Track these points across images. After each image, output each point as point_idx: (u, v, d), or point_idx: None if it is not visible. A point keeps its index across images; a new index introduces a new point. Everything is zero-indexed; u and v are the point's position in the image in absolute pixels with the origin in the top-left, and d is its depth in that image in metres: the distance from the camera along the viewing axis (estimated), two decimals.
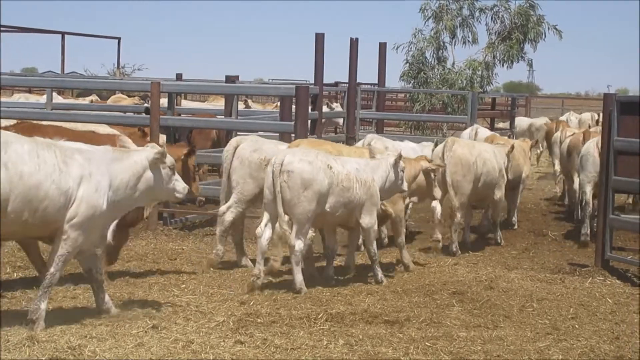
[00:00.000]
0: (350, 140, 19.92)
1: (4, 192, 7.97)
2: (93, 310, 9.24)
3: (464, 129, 21.04)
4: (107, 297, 9.19)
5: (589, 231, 14.59)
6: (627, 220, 13.31)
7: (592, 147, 14.79)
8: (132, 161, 9.01)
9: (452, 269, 12.36)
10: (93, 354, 7.94)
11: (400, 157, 11.24)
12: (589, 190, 14.70)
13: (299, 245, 10.38)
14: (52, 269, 8.58)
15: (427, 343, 8.67)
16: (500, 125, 27.93)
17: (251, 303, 9.87)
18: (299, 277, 10.47)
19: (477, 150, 14.01)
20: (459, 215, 13.55)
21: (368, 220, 10.92)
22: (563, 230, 16.41)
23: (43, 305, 8.57)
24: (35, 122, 13.62)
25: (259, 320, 9.18)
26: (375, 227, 11.13)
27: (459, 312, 9.88)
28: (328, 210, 10.58)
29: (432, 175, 12.32)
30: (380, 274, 11.27)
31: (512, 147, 15.27)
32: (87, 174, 8.55)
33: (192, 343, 8.35)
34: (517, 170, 15.37)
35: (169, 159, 9.27)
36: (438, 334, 8.99)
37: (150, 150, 9.14)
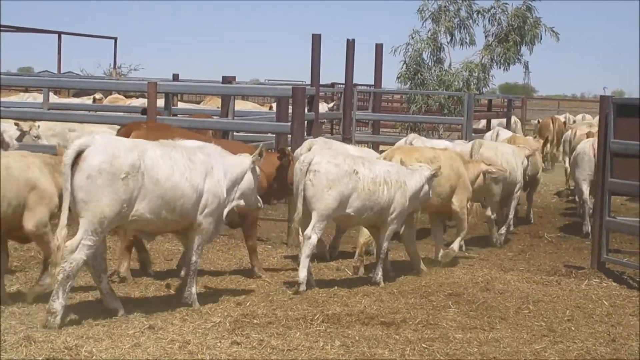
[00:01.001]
0: (346, 141, 19.93)
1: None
2: (90, 310, 9.25)
3: (461, 130, 21.07)
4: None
5: (589, 229, 15.12)
6: (623, 222, 13.32)
7: (587, 147, 15.91)
8: (240, 160, 9.99)
9: (448, 270, 12.35)
10: (90, 354, 7.94)
11: (436, 174, 11.65)
12: (585, 187, 15.96)
13: (314, 238, 10.57)
14: (193, 258, 9.70)
15: (423, 345, 8.67)
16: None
17: (247, 304, 9.87)
18: (303, 272, 10.56)
19: (500, 152, 14.82)
20: (490, 211, 14.56)
21: (393, 220, 11.24)
22: (559, 232, 16.44)
23: (194, 290, 9.73)
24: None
25: (255, 321, 9.17)
26: (397, 228, 11.48)
27: (455, 314, 9.88)
28: (352, 214, 10.84)
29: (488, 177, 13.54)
30: (380, 275, 11.31)
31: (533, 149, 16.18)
32: (210, 168, 9.50)
33: (189, 344, 8.35)
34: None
35: (259, 170, 10.28)
36: (434, 335, 8.99)
37: (251, 156, 10.07)
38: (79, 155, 8.60)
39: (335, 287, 10.95)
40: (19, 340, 8.11)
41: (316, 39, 20.39)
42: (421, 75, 27.60)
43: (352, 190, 10.68)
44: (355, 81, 23.09)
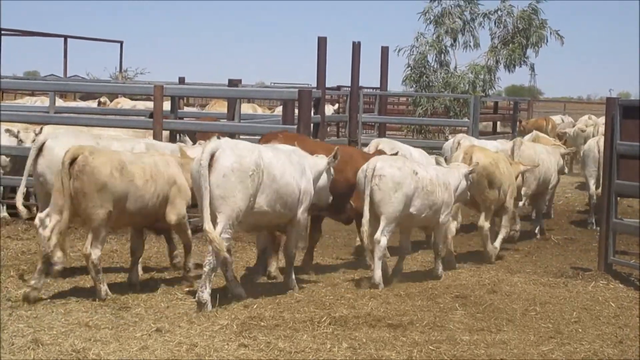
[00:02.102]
0: (352, 144, 19.94)
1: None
2: (97, 313, 9.28)
3: (466, 132, 21.06)
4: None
5: (594, 220, 16.76)
6: (630, 224, 13.30)
7: (593, 145, 17.27)
8: (319, 161, 10.99)
9: (455, 272, 12.36)
10: (97, 357, 7.98)
11: (473, 171, 12.33)
12: (592, 183, 17.20)
13: (384, 241, 11.06)
14: (293, 250, 10.91)
15: (430, 347, 8.68)
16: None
17: (255, 306, 9.88)
18: (378, 273, 11.09)
19: (538, 151, 15.85)
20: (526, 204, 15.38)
21: (444, 219, 11.85)
22: (566, 234, 16.42)
23: (293, 277, 10.89)
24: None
25: (262, 323, 9.19)
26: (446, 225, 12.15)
27: (462, 316, 9.89)
28: (414, 212, 11.37)
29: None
30: (440, 270, 12.02)
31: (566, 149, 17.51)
32: (303, 169, 10.62)
33: (196, 346, 8.37)
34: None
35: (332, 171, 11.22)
36: (441, 337, 9.00)
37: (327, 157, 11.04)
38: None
39: (342, 290, 10.97)
40: (27, 343, 8.15)
41: (322, 42, 20.41)
42: (426, 77, 27.58)
43: (414, 190, 11.23)
44: (361, 84, 23.08)
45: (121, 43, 41.62)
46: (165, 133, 14.88)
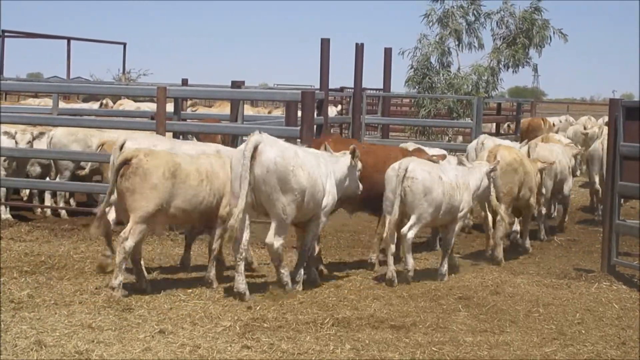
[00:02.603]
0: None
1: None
2: (100, 314, 9.29)
3: (469, 134, 21.05)
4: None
5: (600, 212, 17.10)
6: (633, 225, 13.29)
7: (598, 145, 17.91)
8: (342, 160, 11.50)
9: (458, 274, 12.35)
10: (100, 358, 7.99)
11: (495, 168, 12.74)
12: (597, 179, 17.85)
13: (410, 235, 11.54)
14: (309, 245, 11.23)
15: (433, 348, 8.69)
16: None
17: (257, 308, 9.89)
18: (410, 261, 11.63)
19: (554, 152, 16.15)
20: (543, 207, 15.66)
21: (459, 217, 12.23)
22: (569, 236, 16.41)
23: (302, 271, 11.09)
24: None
25: (265, 325, 9.20)
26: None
27: (465, 317, 9.89)
28: (440, 215, 11.81)
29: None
30: (446, 267, 12.13)
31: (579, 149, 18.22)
32: (330, 172, 11.17)
33: (199, 348, 8.38)
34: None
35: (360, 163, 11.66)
36: (444, 339, 9.00)
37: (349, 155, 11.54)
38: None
39: (345, 291, 10.98)
40: (30, 345, 8.16)
41: (325, 44, 20.41)
42: (429, 79, 27.55)
43: (442, 195, 11.64)
44: (364, 85, 23.09)
45: (124, 45, 41.58)
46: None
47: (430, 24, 28.04)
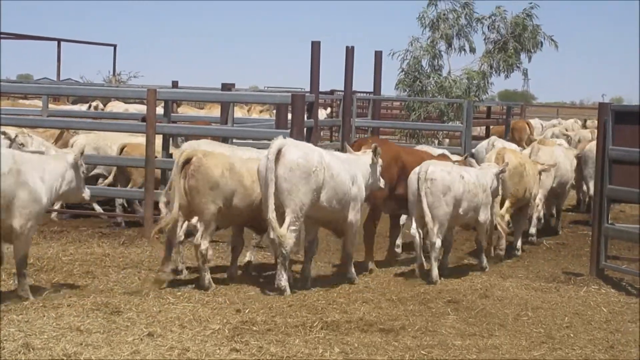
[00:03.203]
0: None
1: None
2: (89, 317, 9.27)
3: (460, 137, 21.09)
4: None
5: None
6: (621, 229, 13.32)
7: (592, 147, 17.16)
8: (365, 158, 11.98)
9: (447, 277, 12.36)
10: None
11: (504, 170, 13.26)
12: (591, 183, 16.71)
13: (438, 242, 11.96)
14: (348, 245, 11.82)
15: (422, 351, 8.69)
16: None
17: (247, 311, 9.88)
18: (435, 271, 11.95)
19: (555, 154, 16.51)
20: (540, 207, 15.86)
21: (484, 217, 12.76)
22: (558, 239, 16.43)
23: (352, 269, 11.87)
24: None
25: (254, 328, 9.18)
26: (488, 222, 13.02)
27: (454, 321, 9.90)
28: (462, 213, 12.30)
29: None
30: (485, 262, 13.06)
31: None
32: (356, 173, 11.59)
33: (188, 351, 8.36)
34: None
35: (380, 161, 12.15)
36: (433, 342, 9.01)
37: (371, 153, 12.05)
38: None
39: (335, 295, 10.97)
40: (18, 348, 8.13)
41: (316, 46, 20.42)
42: (420, 82, 27.57)
43: (462, 194, 12.14)
44: (354, 88, 23.11)
45: (115, 46, 41.61)
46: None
47: (423, 27, 28.09)
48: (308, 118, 15.52)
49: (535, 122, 29.15)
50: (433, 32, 27.92)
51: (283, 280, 10.80)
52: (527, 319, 10.13)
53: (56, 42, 38.38)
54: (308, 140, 15.52)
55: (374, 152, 11.99)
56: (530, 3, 27.89)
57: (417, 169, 12.18)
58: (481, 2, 34.62)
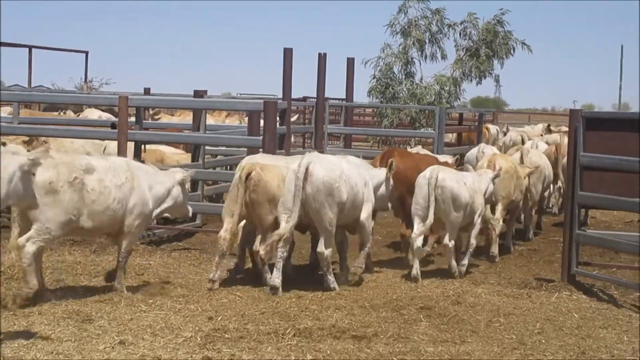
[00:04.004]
0: None
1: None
2: (60, 325, 9.22)
3: (432, 144, 21.13)
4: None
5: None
6: (592, 235, 13.40)
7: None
8: (379, 173, 12.85)
9: (420, 283, 12.38)
10: None
11: (498, 175, 14.03)
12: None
13: (451, 245, 12.84)
14: (367, 247, 12.43)
15: (394, 358, 8.70)
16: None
17: (219, 318, 9.86)
18: (453, 264, 12.96)
19: (544, 158, 17.33)
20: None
21: (477, 219, 13.42)
22: (530, 245, 16.49)
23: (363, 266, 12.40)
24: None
25: (226, 335, 9.17)
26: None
27: (427, 327, 9.91)
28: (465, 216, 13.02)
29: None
30: (466, 264, 13.42)
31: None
32: (367, 180, 12.32)
33: (160, 359, 8.34)
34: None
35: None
36: (406, 349, 9.02)
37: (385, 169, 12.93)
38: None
39: (307, 301, 10.97)
40: None
41: (288, 53, 20.38)
42: (392, 89, 27.60)
43: (469, 199, 12.88)
44: (327, 95, 23.09)
45: (86, 53, 41.45)
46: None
47: (394, 33, 28.12)
48: (280, 125, 15.53)
49: (493, 128, 29.19)
50: (405, 38, 27.94)
51: (278, 280, 11.30)
52: (499, 325, 10.15)
53: (27, 49, 38.19)
54: (280, 147, 15.55)
55: (389, 167, 12.86)
56: (501, 9, 28.02)
57: (426, 174, 12.78)
58: (453, 8, 34.58)
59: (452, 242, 12.87)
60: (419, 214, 12.72)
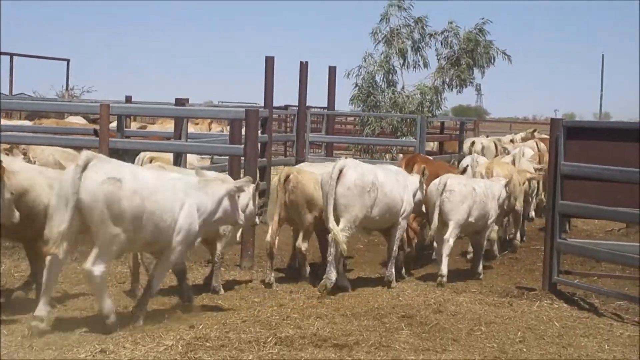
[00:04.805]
0: (299, 162, 19.92)
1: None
2: (39, 335, 9.18)
3: (413, 152, 21.17)
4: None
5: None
6: (574, 243, 13.43)
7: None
8: (415, 180, 13.53)
9: (401, 292, 12.40)
10: None
11: (509, 182, 14.93)
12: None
13: (451, 241, 13.43)
14: (395, 248, 13.12)
15: None
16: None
17: (200, 327, 9.83)
18: (444, 268, 13.28)
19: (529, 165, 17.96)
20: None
21: (489, 224, 14.36)
22: (511, 254, 16.50)
23: (393, 270, 13.03)
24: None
25: (207, 344, 9.14)
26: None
27: (408, 336, 9.90)
28: (473, 221, 13.76)
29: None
30: (481, 268, 14.38)
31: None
32: (406, 185, 13.11)
33: None
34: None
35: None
36: (387, 357, 9.01)
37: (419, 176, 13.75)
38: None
39: (289, 310, 10.95)
40: None
41: (269, 62, 20.41)
42: (374, 97, 27.65)
43: (473, 203, 13.66)
44: (308, 103, 23.11)
45: (68, 61, 41.38)
46: None
47: (376, 42, 28.18)
48: (262, 133, 15.52)
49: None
50: (388, 47, 28.00)
51: (333, 275, 12.08)
52: (480, 334, 10.16)
53: (9, 57, 38.09)
54: (262, 155, 15.54)
55: (422, 173, 13.73)
56: (482, 18, 28.13)
57: (436, 181, 13.70)
58: (435, 17, 34.74)
59: (452, 239, 13.46)
60: (432, 219, 13.62)
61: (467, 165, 17.12)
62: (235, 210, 10.71)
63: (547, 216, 13.18)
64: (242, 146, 14.27)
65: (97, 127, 16.34)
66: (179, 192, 9.87)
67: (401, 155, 21.59)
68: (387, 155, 27.97)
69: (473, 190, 13.74)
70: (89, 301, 10.90)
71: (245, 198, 11.46)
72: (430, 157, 17.98)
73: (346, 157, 13.20)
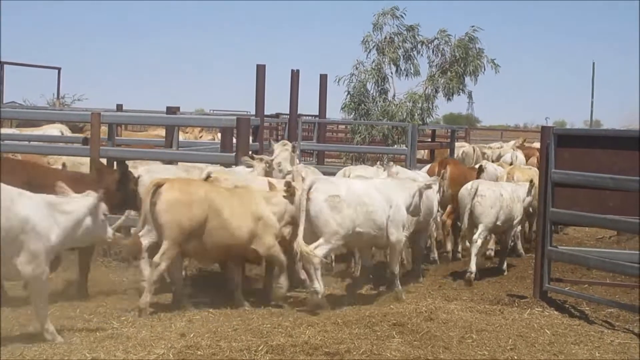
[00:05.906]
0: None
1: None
2: (31, 342, 9.16)
3: (404, 160, 21.20)
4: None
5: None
6: (564, 251, 13.44)
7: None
8: (408, 185, 13.22)
9: (393, 300, 12.39)
10: None
11: (532, 185, 15.63)
12: None
13: (479, 242, 14.70)
14: (392, 262, 12.92)
15: None
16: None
17: (191, 335, 9.82)
18: (473, 266, 14.38)
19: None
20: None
21: (514, 225, 15.82)
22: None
23: (399, 286, 13.00)
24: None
25: (199, 352, 9.13)
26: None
27: (399, 344, 9.89)
28: (500, 224, 15.08)
29: None
30: (505, 265, 15.68)
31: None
32: (391, 198, 12.75)
33: None
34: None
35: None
36: None
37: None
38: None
39: (280, 318, 10.94)
40: None
41: (261, 70, 20.44)
42: (365, 105, 27.64)
43: (500, 208, 14.92)
44: (299, 111, 23.15)
45: (59, 69, 41.27)
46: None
47: (367, 50, 28.18)
48: (253, 141, 15.53)
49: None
50: (381, 55, 27.99)
51: (318, 286, 11.85)
52: (471, 342, 10.15)
53: None
54: None
55: (442, 176, 15.22)
56: (473, 26, 28.15)
57: (468, 186, 15.01)
58: (426, 25, 34.80)
59: (481, 240, 14.71)
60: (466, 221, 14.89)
61: (483, 167, 18.20)
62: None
63: (538, 224, 13.19)
64: (234, 154, 14.27)
65: (86, 135, 16.33)
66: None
67: (392, 163, 21.55)
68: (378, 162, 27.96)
69: (501, 195, 14.94)
70: (77, 309, 10.88)
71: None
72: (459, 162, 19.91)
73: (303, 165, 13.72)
